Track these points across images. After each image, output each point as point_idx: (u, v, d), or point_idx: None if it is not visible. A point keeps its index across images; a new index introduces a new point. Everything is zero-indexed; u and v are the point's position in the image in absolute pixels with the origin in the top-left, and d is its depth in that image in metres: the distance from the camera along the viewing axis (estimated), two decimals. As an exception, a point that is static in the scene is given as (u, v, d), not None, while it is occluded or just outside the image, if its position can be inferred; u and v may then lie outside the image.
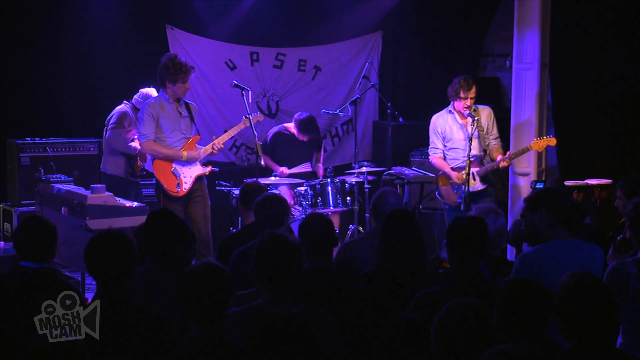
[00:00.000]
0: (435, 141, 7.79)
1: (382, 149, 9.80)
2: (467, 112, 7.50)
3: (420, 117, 10.13)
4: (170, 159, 7.21)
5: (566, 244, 4.13)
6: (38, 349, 2.79)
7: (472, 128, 7.40)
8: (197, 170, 7.32)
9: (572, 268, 3.93)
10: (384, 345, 3.41)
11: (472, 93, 7.50)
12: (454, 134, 7.67)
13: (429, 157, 7.90)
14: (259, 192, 5.66)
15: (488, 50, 10.60)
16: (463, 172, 7.43)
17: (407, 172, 8.35)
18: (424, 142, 9.46)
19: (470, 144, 7.30)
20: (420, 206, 8.29)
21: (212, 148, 7.39)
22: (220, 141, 7.51)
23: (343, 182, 8.16)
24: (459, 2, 10.14)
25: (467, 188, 7.29)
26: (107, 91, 8.98)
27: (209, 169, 7.43)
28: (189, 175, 7.27)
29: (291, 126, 8.78)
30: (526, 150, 7.50)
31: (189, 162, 7.26)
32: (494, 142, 7.70)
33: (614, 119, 8.84)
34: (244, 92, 7.48)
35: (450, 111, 7.69)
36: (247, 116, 7.52)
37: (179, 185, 7.20)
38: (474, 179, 7.46)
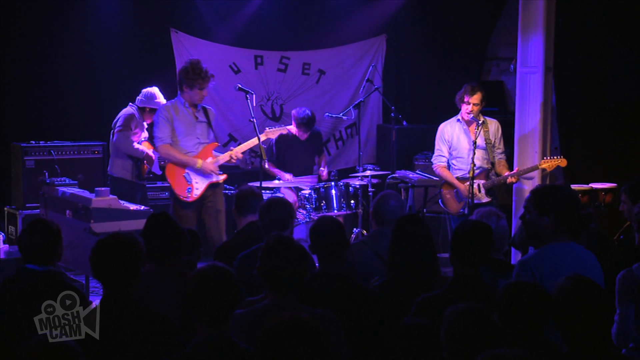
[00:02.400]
0: (441, 148, 7.71)
1: (386, 152, 9.81)
2: (472, 116, 7.48)
3: (424, 121, 10.12)
4: (184, 165, 7.19)
5: (565, 247, 4.11)
6: (32, 352, 2.80)
7: (477, 132, 7.41)
8: (210, 177, 7.29)
9: (572, 271, 3.92)
10: (391, 351, 3.41)
11: (475, 99, 7.47)
12: (460, 143, 7.62)
13: (433, 165, 7.79)
14: (253, 198, 5.66)
15: (492, 54, 10.60)
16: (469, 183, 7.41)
17: (411, 175, 8.35)
18: (428, 145, 9.45)
19: (475, 147, 7.30)
20: (425, 210, 8.29)
21: (230, 157, 7.30)
22: (239, 150, 7.44)
23: (347, 185, 8.16)
24: (463, 5, 10.15)
25: (471, 193, 7.29)
26: (112, 94, 8.99)
27: (223, 176, 7.38)
28: (201, 181, 7.21)
29: (292, 128, 8.72)
30: (535, 168, 7.51)
31: (202, 172, 7.23)
32: (499, 156, 7.67)
33: (618, 122, 8.84)
34: (248, 96, 7.48)
35: (458, 120, 7.66)
36: (269, 128, 7.64)
37: (189, 190, 7.15)
38: (479, 191, 7.44)
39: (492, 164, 7.63)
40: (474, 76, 10.31)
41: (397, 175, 8.54)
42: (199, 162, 7.16)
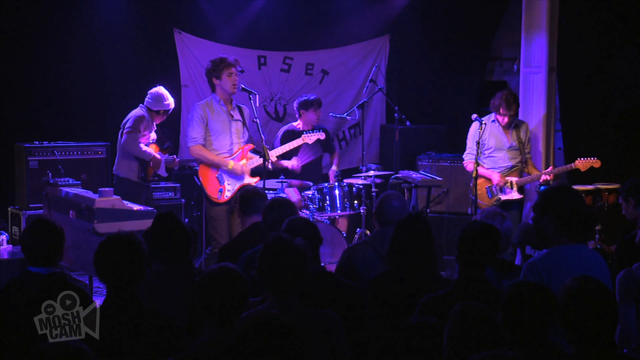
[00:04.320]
0: (473, 146, 7.77)
1: (390, 152, 9.80)
2: (505, 123, 7.71)
3: (427, 121, 10.13)
4: (216, 166, 7.20)
5: (573, 249, 4.10)
6: (41, 354, 2.80)
7: (479, 132, 7.49)
8: (242, 178, 7.29)
9: (579, 273, 3.92)
10: (394, 350, 3.41)
11: (512, 110, 7.64)
12: (493, 142, 7.78)
13: (464, 161, 7.91)
14: (257, 198, 5.67)
15: (495, 54, 10.59)
16: (507, 178, 7.66)
17: (414, 175, 8.35)
18: (432, 146, 9.46)
19: (478, 148, 7.39)
20: (428, 210, 8.28)
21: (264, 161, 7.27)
22: (273, 154, 7.49)
23: (350, 185, 8.15)
24: (466, 5, 10.14)
25: (475, 194, 7.36)
26: (115, 95, 9.01)
27: (255, 179, 7.37)
28: (233, 183, 7.24)
29: (297, 124, 8.67)
30: (570, 168, 7.66)
31: (234, 173, 7.23)
32: (528, 156, 7.89)
33: (622, 122, 8.84)
34: (251, 96, 7.47)
35: (493, 120, 7.76)
36: (307, 133, 7.80)
37: (221, 191, 7.18)
38: (511, 187, 7.58)
39: (525, 161, 7.80)
40: (477, 76, 10.30)
41: (400, 175, 8.53)
42: (231, 164, 7.19)
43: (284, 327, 2.88)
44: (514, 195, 7.67)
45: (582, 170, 7.63)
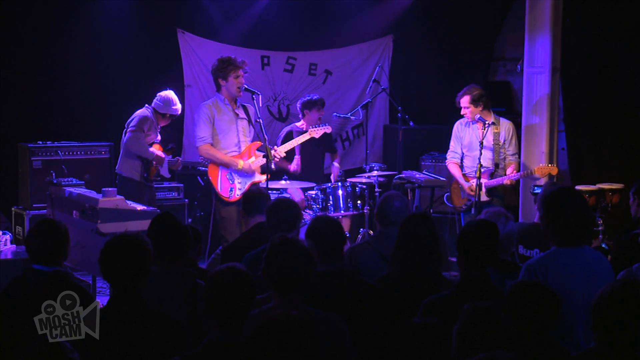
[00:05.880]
0: (455, 145, 7.84)
1: (393, 152, 9.80)
2: (472, 117, 7.58)
3: (430, 121, 10.13)
4: (226, 165, 7.22)
5: (572, 250, 4.08)
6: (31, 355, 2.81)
7: (482, 132, 7.46)
8: (252, 177, 7.31)
9: (578, 276, 3.93)
10: (399, 351, 3.42)
11: (462, 102, 7.59)
12: (469, 141, 7.74)
13: (446, 161, 7.93)
14: (260, 199, 5.68)
15: (499, 54, 10.59)
16: (473, 181, 7.49)
17: (417, 176, 8.35)
18: (435, 146, 9.47)
19: (481, 148, 7.35)
20: (431, 210, 8.29)
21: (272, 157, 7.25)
22: (281, 150, 7.53)
23: (354, 185, 8.15)
24: (469, 6, 10.14)
25: (477, 193, 7.33)
26: (119, 95, 9.02)
27: (264, 176, 7.39)
28: (243, 181, 7.25)
29: (301, 124, 8.67)
30: (530, 173, 7.61)
31: (244, 172, 7.25)
32: (510, 158, 7.75)
33: (625, 122, 8.83)
34: (254, 96, 7.47)
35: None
36: (314, 127, 7.80)
37: (231, 190, 7.19)
38: (480, 189, 7.50)
39: (497, 164, 7.66)
40: (480, 76, 10.30)
41: (403, 175, 8.53)
42: (240, 163, 7.20)
43: (303, 328, 2.88)
44: (482, 197, 7.52)
45: (541, 176, 7.59)
